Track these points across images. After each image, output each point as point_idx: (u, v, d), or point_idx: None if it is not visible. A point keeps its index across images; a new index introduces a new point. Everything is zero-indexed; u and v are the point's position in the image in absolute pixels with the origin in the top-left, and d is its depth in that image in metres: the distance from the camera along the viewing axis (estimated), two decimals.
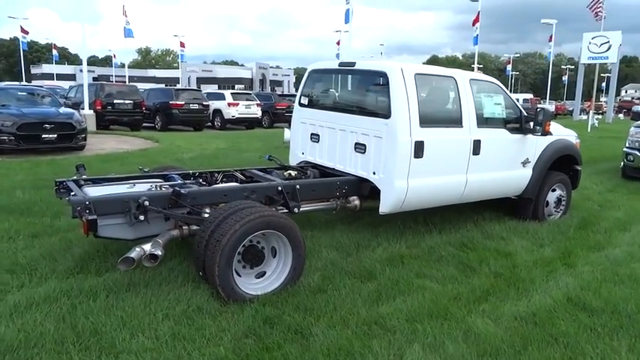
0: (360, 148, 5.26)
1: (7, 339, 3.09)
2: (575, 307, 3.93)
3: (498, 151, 5.77)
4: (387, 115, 4.93)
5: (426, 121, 5.02)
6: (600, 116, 34.26)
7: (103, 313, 3.49)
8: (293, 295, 3.92)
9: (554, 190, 6.59)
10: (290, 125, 19.52)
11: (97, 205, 3.88)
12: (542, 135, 5.85)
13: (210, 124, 21.16)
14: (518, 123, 5.97)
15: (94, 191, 4.29)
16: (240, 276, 3.94)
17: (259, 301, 3.78)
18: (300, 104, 6.22)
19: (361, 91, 5.67)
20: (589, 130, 23.29)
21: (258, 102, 22.06)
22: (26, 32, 43.46)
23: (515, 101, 6.12)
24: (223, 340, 3.24)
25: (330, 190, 5.20)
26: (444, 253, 5.10)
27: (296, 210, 4.75)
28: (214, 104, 20.90)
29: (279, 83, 76.02)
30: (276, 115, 23.05)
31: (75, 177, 4.74)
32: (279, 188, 4.76)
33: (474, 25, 26.67)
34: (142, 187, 4.59)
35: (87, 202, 3.84)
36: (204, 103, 20.07)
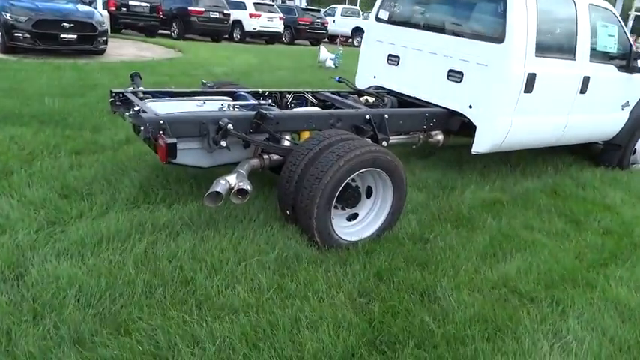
0: (456, 76, 4.52)
1: (85, 285, 2.54)
2: None
3: (604, 91, 5.05)
4: (499, 39, 4.16)
5: (542, 50, 4.27)
6: None
7: (188, 256, 2.95)
8: (396, 244, 3.39)
9: None
10: (320, 43, 17.86)
11: (173, 125, 3.22)
12: None
13: (227, 36, 19.75)
14: (626, 60, 5.20)
15: (159, 107, 3.61)
16: (333, 218, 3.38)
17: (360, 249, 3.26)
18: (378, 19, 5.36)
19: (464, 8, 4.79)
20: None
21: (281, 15, 20.49)
22: None
23: (628, 34, 5.30)
24: (337, 299, 2.73)
25: (418, 122, 4.52)
26: (541, 202, 4.54)
27: (385, 143, 4.09)
28: (234, 14, 19.34)
29: None
30: (298, 31, 21.53)
31: (132, 88, 4.04)
32: (368, 117, 4.08)
33: None
34: (211, 105, 3.91)
35: (161, 122, 3.17)
36: (225, 12, 18.48)
